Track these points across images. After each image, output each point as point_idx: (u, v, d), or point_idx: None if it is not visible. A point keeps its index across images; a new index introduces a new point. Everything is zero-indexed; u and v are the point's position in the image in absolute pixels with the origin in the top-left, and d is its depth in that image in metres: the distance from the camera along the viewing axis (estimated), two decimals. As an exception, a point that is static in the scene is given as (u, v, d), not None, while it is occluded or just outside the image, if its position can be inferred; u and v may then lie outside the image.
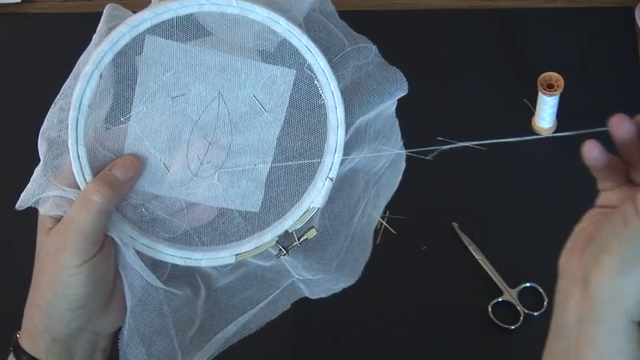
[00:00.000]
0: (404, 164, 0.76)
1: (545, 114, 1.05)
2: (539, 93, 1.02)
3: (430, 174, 1.05)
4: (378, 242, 0.98)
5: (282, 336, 0.93)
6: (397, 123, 0.75)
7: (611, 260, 0.58)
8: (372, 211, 0.76)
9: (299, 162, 0.72)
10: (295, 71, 0.70)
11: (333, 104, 0.71)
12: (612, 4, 1.16)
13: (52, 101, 0.72)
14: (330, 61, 0.70)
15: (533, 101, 1.06)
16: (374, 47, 0.73)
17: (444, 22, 1.16)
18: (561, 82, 1.01)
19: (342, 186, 0.74)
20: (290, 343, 0.93)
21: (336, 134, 0.72)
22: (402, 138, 0.75)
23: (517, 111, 1.08)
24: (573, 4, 1.16)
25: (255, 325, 0.76)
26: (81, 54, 0.68)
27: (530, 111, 1.07)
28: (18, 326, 0.74)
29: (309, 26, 0.70)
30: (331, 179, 0.72)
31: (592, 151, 0.63)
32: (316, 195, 0.72)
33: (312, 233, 0.72)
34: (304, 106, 0.71)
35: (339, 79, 0.70)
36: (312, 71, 0.70)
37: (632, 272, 0.57)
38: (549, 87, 1.02)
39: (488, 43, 1.14)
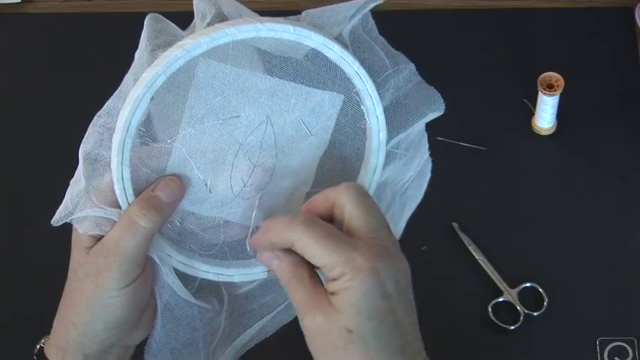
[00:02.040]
0: (429, 174, 0.76)
1: (545, 114, 1.05)
2: (539, 93, 1.02)
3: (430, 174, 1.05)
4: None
5: (281, 335, 0.93)
6: (426, 136, 0.75)
7: None
8: (396, 224, 0.76)
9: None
10: (344, 96, 0.71)
11: (377, 128, 0.72)
12: (612, 4, 1.16)
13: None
14: (374, 84, 0.70)
15: (533, 101, 1.06)
16: (412, 65, 0.73)
17: (444, 22, 1.16)
18: (561, 82, 1.01)
19: None
20: (289, 342, 0.93)
21: (377, 157, 0.72)
22: (429, 149, 0.75)
23: (517, 111, 1.08)
24: (573, 4, 1.16)
25: (272, 329, 0.76)
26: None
27: (530, 111, 1.07)
28: (33, 332, 0.74)
29: (353, 45, 0.70)
30: None
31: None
32: None
33: None
34: (348, 130, 0.72)
35: (380, 99, 0.71)
36: (360, 96, 0.71)
37: None
38: (549, 87, 1.02)
39: (488, 43, 1.14)
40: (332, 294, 0.62)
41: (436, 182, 1.05)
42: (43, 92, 1.13)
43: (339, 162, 0.73)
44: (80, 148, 0.69)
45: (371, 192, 0.73)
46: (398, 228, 0.76)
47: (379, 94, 0.71)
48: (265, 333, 0.76)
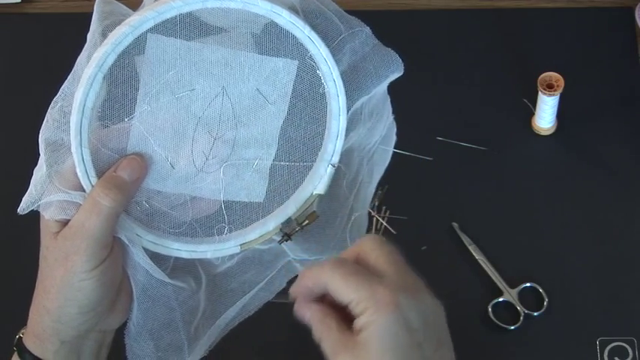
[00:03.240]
0: (395, 137, 0.76)
1: (545, 114, 1.05)
2: (539, 93, 1.02)
3: (430, 174, 1.05)
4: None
5: (280, 334, 0.93)
6: (389, 99, 0.75)
7: None
8: (366, 188, 0.77)
9: (298, 164, 0.72)
10: (297, 62, 0.71)
11: (335, 92, 0.71)
12: (612, 4, 1.16)
13: (52, 101, 0.71)
14: (329, 49, 0.70)
15: (533, 101, 1.06)
16: (367, 29, 0.73)
17: (444, 22, 1.16)
18: (561, 82, 1.01)
19: (337, 167, 0.74)
20: (288, 342, 0.93)
21: (338, 121, 0.72)
22: (393, 113, 0.75)
23: (517, 111, 1.08)
24: (573, 4, 1.16)
25: (254, 307, 0.76)
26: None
27: (530, 111, 1.07)
28: (19, 325, 0.74)
29: (305, 12, 0.70)
30: (333, 165, 0.73)
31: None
32: (318, 182, 0.73)
33: (314, 218, 0.73)
34: (306, 96, 0.72)
35: (337, 64, 0.71)
36: (314, 61, 0.71)
37: None
38: (549, 87, 1.02)
39: (488, 43, 1.14)
40: (359, 331, 0.62)
41: (436, 182, 1.06)
42: (43, 92, 1.13)
43: (301, 129, 0.73)
44: (40, 135, 0.69)
45: (336, 158, 0.73)
46: (368, 193, 0.77)
47: (336, 59, 0.71)
48: (248, 311, 0.76)
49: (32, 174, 0.70)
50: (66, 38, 1.19)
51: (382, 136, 0.76)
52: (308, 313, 0.65)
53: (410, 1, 1.18)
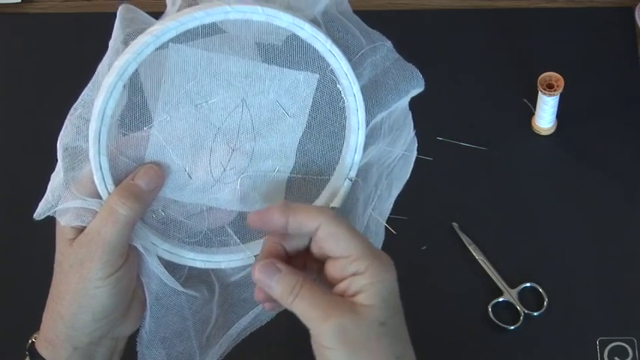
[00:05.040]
0: (415, 153, 0.76)
1: (545, 114, 1.05)
2: (539, 93, 1.02)
3: (430, 174, 1.05)
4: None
5: (279, 333, 0.93)
6: (410, 115, 0.75)
7: None
8: (384, 203, 0.76)
9: (315, 177, 0.72)
10: (318, 75, 0.71)
11: (355, 107, 0.71)
12: (612, 4, 1.16)
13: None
14: (350, 63, 0.70)
15: (533, 101, 1.06)
16: (389, 43, 0.73)
17: (444, 22, 1.16)
18: (561, 82, 1.01)
19: (355, 181, 0.74)
20: (287, 340, 0.93)
21: (357, 135, 0.72)
22: (414, 128, 0.75)
23: (517, 111, 1.08)
24: (573, 4, 1.16)
25: (267, 317, 0.76)
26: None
27: (530, 111, 1.07)
28: (31, 329, 0.74)
29: (327, 25, 0.70)
30: (350, 179, 0.73)
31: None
32: (335, 195, 0.73)
33: None
34: (326, 109, 0.72)
35: (357, 78, 0.71)
36: (335, 75, 0.71)
37: None
38: (549, 87, 1.02)
39: (488, 43, 1.14)
40: (357, 292, 0.63)
41: (436, 182, 1.06)
42: (43, 92, 1.13)
43: (320, 143, 0.73)
44: (58, 141, 0.69)
45: (353, 172, 0.73)
46: (386, 208, 0.77)
47: (356, 73, 0.71)
48: (260, 321, 0.76)
49: (35, 175, 0.70)
50: (66, 38, 1.20)
51: (403, 152, 0.76)
52: (277, 275, 0.65)
53: (410, 1, 1.18)
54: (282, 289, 0.65)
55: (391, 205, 0.77)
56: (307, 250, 0.68)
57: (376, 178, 0.76)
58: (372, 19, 0.74)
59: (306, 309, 0.64)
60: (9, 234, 1.04)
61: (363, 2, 1.17)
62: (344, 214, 0.75)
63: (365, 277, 0.63)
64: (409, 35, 1.13)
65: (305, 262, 0.69)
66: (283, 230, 0.66)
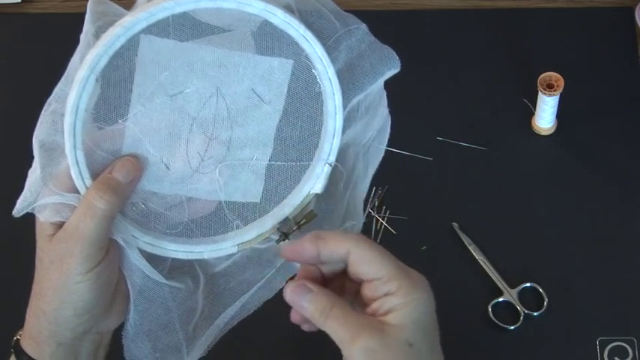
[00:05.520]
0: (389, 130, 0.76)
1: (545, 114, 1.05)
2: (539, 93, 1.02)
3: (430, 174, 1.05)
4: (378, 242, 0.98)
5: (279, 332, 0.93)
6: (385, 94, 0.75)
7: None
8: (361, 183, 0.77)
9: (294, 164, 0.72)
10: (293, 61, 0.70)
11: (331, 91, 0.71)
12: (612, 4, 1.16)
13: (46, 103, 0.71)
14: (325, 47, 0.70)
15: (533, 101, 1.06)
16: (364, 26, 0.72)
17: (444, 22, 1.16)
18: (561, 82, 1.01)
19: (334, 166, 0.74)
20: (287, 340, 0.93)
21: (334, 120, 0.72)
22: (391, 111, 0.75)
23: (517, 111, 1.08)
24: (573, 4, 1.16)
25: (254, 306, 0.76)
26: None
27: (530, 111, 1.07)
28: (16, 325, 0.74)
29: (300, 11, 0.70)
30: (330, 164, 0.73)
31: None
32: (315, 181, 0.73)
33: (312, 217, 0.73)
34: (302, 95, 0.72)
35: (333, 62, 0.70)
36: (310, 60, 0.70)
37: None
38: (549, 87, 1.02)
39: (488, 43, 1.14)
40: (388, 311, 0.63)
41: (436, 182, 1.06)
42: (43, 92, 1.13)
43: (297, 129, 0.73)
44: (34, 137, 0.69)
45: (333, 156, 0.73)
46: (363, 187, 0.77)
47: (331, 57, 0.70)
48: (247, 310, 0.76)
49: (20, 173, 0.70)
50: (66, 38, 1.19)
51: (377, 130, 0.76)
52: (308, 295, 0.65)
53: (410, 1, 1.18)
54: (313, 309, 0.65)
55: (368, 185, 0.77)
56: (344, 273, 0.68)
57: (353, 159, 0.76)
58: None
59: (337, 329, 0.64)
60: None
61: (363, 2, 1.17)
62: (324, 198, 0.74)
63: (397, 297, 0.63)
64: (409, 35, 1.13)
65: (343, 284, 0.69)
66: (317, 260, 0.66)
